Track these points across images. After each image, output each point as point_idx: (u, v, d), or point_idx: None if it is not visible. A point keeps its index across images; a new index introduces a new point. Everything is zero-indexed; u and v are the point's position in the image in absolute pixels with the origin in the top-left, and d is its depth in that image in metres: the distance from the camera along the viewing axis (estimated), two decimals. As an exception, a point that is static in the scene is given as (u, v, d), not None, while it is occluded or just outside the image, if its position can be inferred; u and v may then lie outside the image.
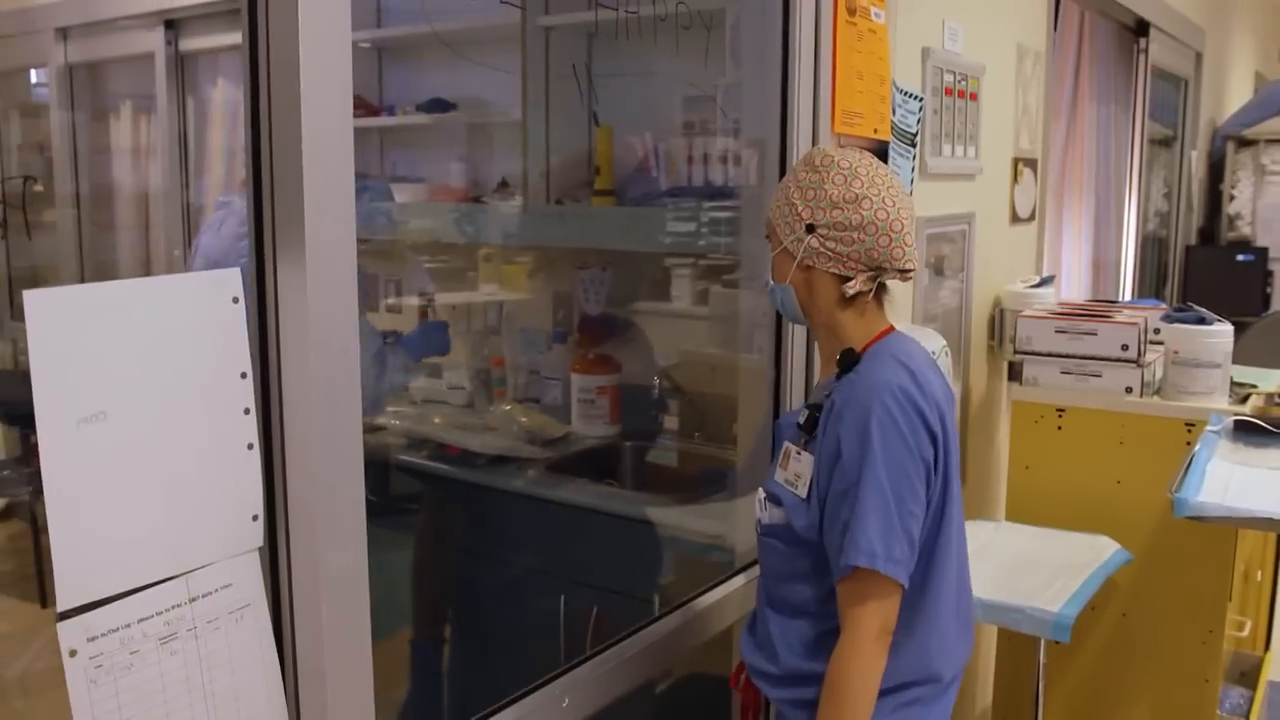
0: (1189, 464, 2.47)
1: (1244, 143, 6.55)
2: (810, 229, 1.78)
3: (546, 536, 2.87)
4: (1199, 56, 5.90)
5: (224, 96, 4.05)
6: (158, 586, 1.39)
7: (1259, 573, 3.57)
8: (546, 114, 3.15)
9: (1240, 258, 6.27)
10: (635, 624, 2.18)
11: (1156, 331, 3.07)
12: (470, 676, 2.99)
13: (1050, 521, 2.92)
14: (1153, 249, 5.73)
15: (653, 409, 3.24)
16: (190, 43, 3.98)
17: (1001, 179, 3.37)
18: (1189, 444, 2.70)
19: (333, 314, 1.46)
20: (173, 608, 1.42)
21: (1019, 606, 2.40)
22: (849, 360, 1.82)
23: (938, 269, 3.02)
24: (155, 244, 3.45)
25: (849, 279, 1.78)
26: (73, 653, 1.29)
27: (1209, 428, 2.70)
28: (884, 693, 1.70)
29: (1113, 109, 4.63)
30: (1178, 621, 2.91)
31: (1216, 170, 6.61)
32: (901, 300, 2.82)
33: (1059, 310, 3.17)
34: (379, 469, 3.09)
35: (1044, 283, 3.38)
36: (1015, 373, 3.13)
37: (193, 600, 1.44)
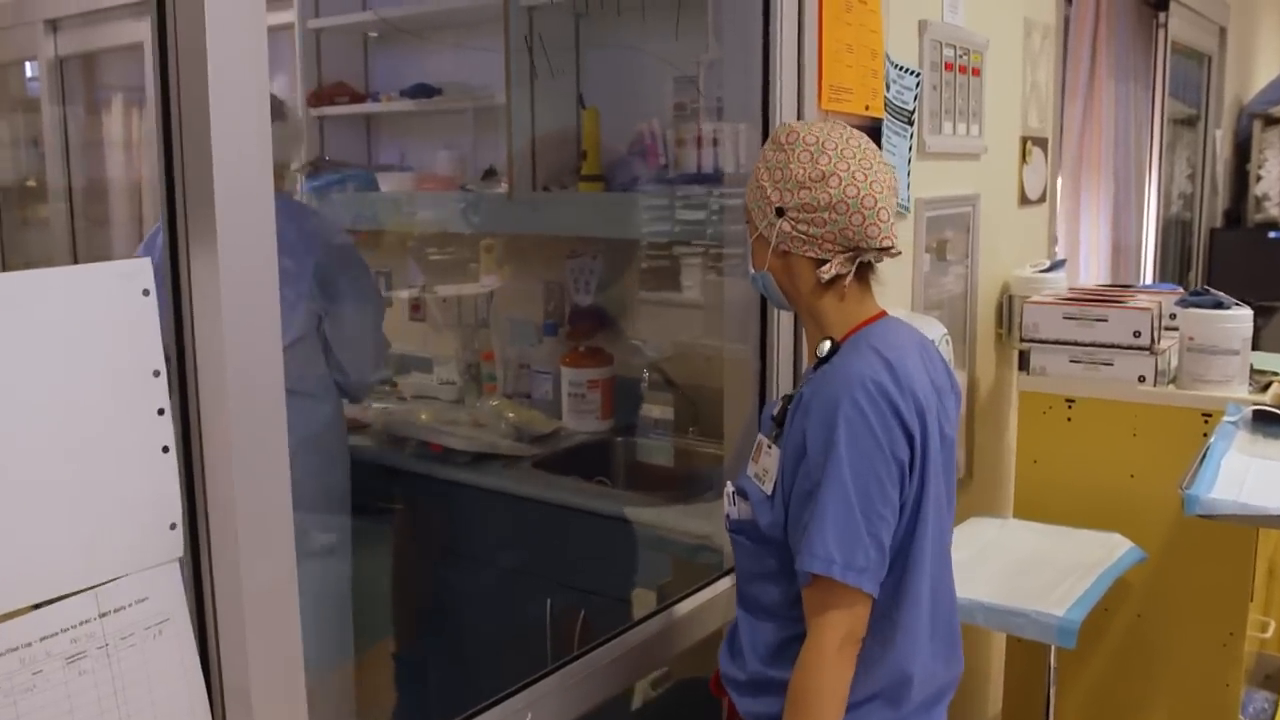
0: (1203, 457, 2.32)
1: (1272, 121, 6.34)
2: (780, 212, 1.67)
3: (531, 537, 2.76)
4: (1223, 31, 5.70)
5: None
6: (62, 601, 1.29)
7: (1285, 568, 3.42)
8: (531, 97, 3.04)
9: (1273, 235, 6.07)
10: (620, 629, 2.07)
11: (1172, 317, 2.92)
12: (449, 687, 2.89)
13: (1060, 518, 2.77)
14: (1176, 232, 5.54)
15: (646, 403, 3.12)
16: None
17: (1009, 159, 3.23)
18: (1206, 435, 2.55)
19: (249, 307, 1.36)
20: (80, 624, 1.32)
21: (1022, 610, 2.27)
22: (827, 350, 1.70)
23: (940, 253, 2.88)
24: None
25: (826, 262, 1.65)
26: (-37, 674, 1.19)
27: (1226, 418, 2.55)
28: (852, 706, 1.57)
29: (1132, 87, 4.46)
30: (1196, 623, 2.76)
31: (1243, 150, 6.40)
32: (900, 287, 2.69)
33: (1068, 296, 3.02)
34: (357, 468, 2.98)
35: (1055, 267, 3.23)
36: (1026, 362, 2.99)
37: (103, 615, 1.34)
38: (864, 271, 1.70)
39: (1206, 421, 2.68)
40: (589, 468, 2.99)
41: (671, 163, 2.92)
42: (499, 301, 3.38)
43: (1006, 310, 3.20)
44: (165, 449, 1.37)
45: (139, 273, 1.35)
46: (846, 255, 1.65)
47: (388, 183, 3.27)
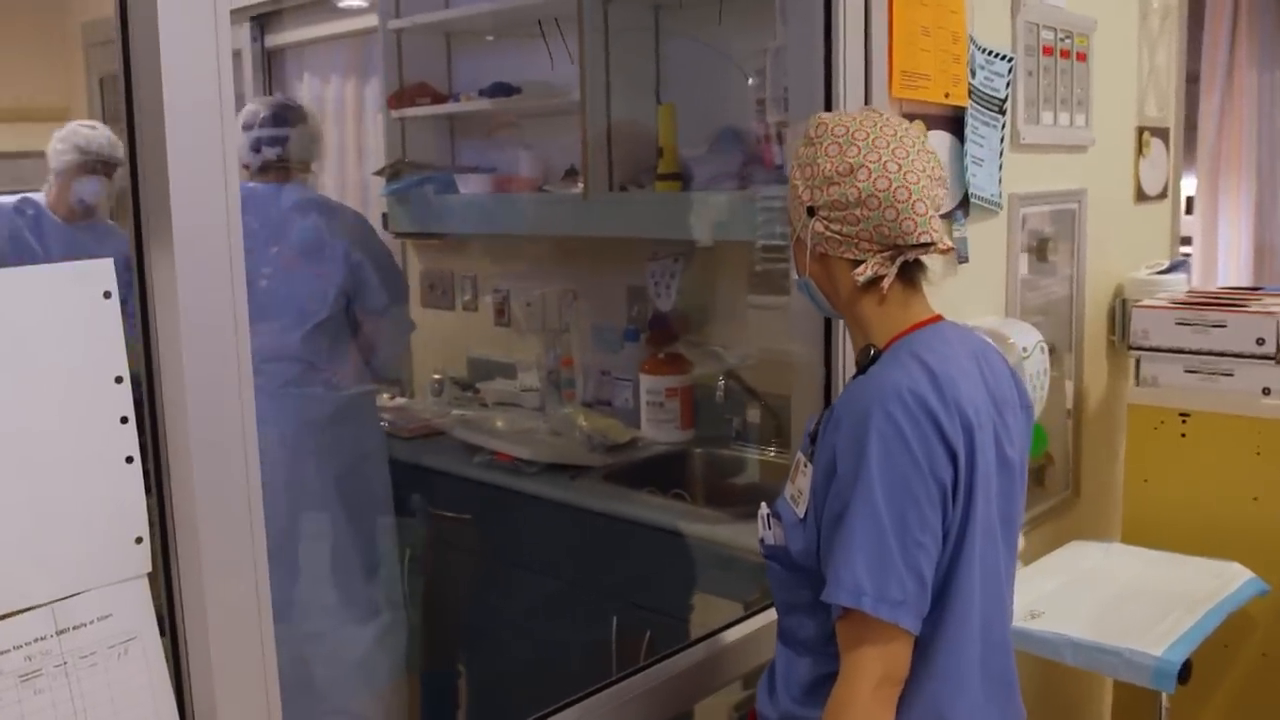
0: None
1: None
2: (811, 212, 1.52)
3: (598, 552, 2.64)
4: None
5: (309, 91, 3.98)
6: (16, 617, 1.23)
7: None
8: (607, 94, 2.92)
9: None
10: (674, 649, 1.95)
11: (1307, 323, 2.62)
12: (506, 702, 2.79)
13: (1172, 544, 2.51)
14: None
15: (729, 413, 2.97)
16: (276, 38, 3.92)
17: (1122, 151, 2.97)
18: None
19: (209, 308, 1.29)
20: (35, 640, 1.25)
21: (1115, 648, 2.04)
22: (864, 358, 1.54)
23: (1040, 254, 2.66)
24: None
25: (862, 262, 1.50)
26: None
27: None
28: None
29: (1277, 75, 4.11)
30: (1331, 663, 2.48)
31: None
32: (990, 290, 2.48)
33: (1182, 300, 2.75)
34: (425, 476, 2.93)
35: (1174, 268, 2.96)
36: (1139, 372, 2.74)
37: (61, 633, 1.27)
38: (910, 272, 1.54)
39: (1342, 440, 2.40)
40: (666, 480, 2.86)
41: (753, 160, 2.77)
42: (581, 306, 3.28)
43: (1120, 315, 2.94)
44: (129, 459, 1.30)
45: (100, 274, 1.28)
46: (885, 254, 1.49)
47: (467, 185, 3.21)
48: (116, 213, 3.51)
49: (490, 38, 3.40)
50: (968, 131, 2.30)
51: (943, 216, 2.28)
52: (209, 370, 1.29)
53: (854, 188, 1.46)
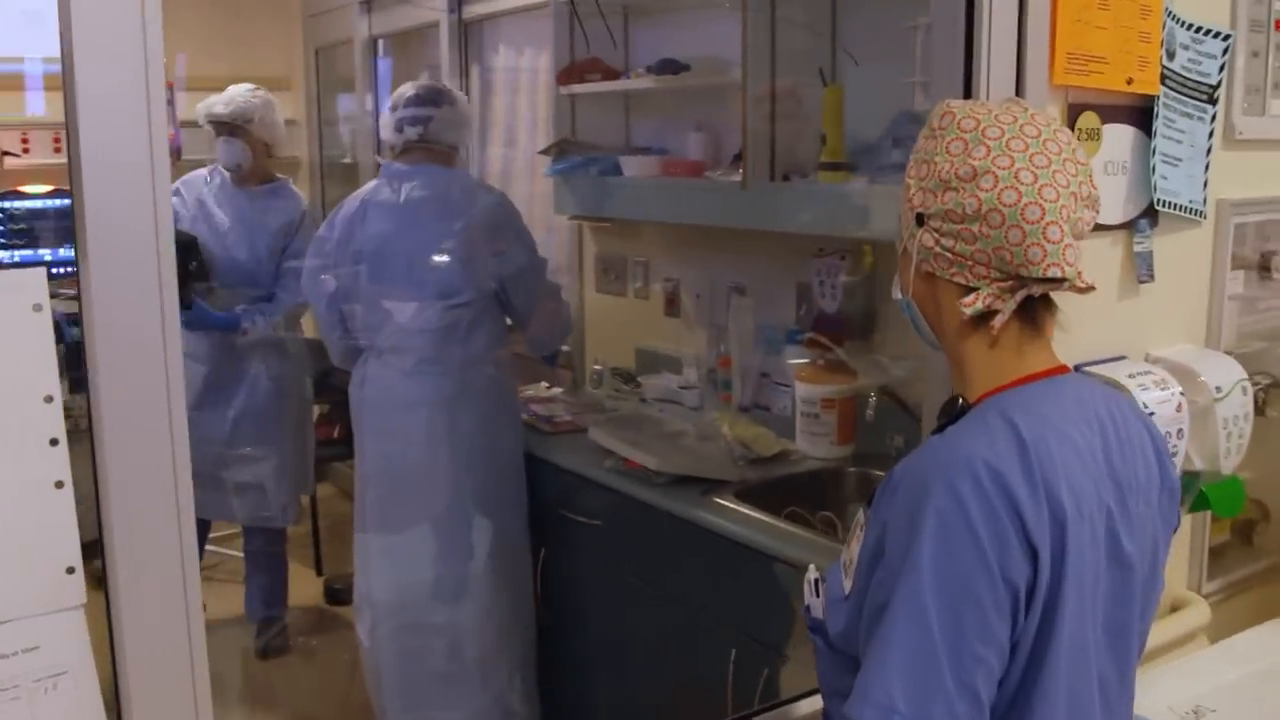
0: None
1: None
2: (921, 220, 1.25)
3: (721, 576, 2.41)
4: None
5: (505, 63, 3.91)
6: (-71, 645, 1.16)
7: None
8: (772, 73, 2.66)
9: None
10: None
11: None
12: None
13: None
14: None
15: (891, 429, 2.66)
16: (473, 9, 3.86)
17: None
18: None
19: (129, 317, 1.18)
20: (-51, 670, 1.19)
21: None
22: (950, 411, 1.26)
23: (1264, 267, 2.21)
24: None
25: (974, 290, 1.22)
26: None
27: None
28: None
29: None
30: None
31: None
32: (1188, 315, 2.07)
33: None
34: (560, 477, 2.79)
35: None
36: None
37: (-21, 663, 1.20)
38: (1033, 311, 1.24)
39: None
40: (814, 501, 2.59)
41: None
42: (747, 303, 3.04)
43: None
44: (59, 484, 1.21)
45: (30, 284, 1.19)
46: (1003, 285, 1.21)
47: (630, 167, 3.02)
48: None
49: (668, 10, 3.18)
50: (1158, 125, 1.90)
51: (1121, 226, 1.92)
52: (126, 387, 1.18)
53: (974, 197, 1.19)
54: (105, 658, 1.25)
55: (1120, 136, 1.88)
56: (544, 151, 3.26)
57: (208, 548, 3.81)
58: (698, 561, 2.46)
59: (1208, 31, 1.96)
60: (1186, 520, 2.11)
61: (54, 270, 1.19)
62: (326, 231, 2.86)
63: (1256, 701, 1.86)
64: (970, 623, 1.10)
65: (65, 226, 3.55)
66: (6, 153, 4.15)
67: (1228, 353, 2.09)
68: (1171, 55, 1.91)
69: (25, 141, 4.28)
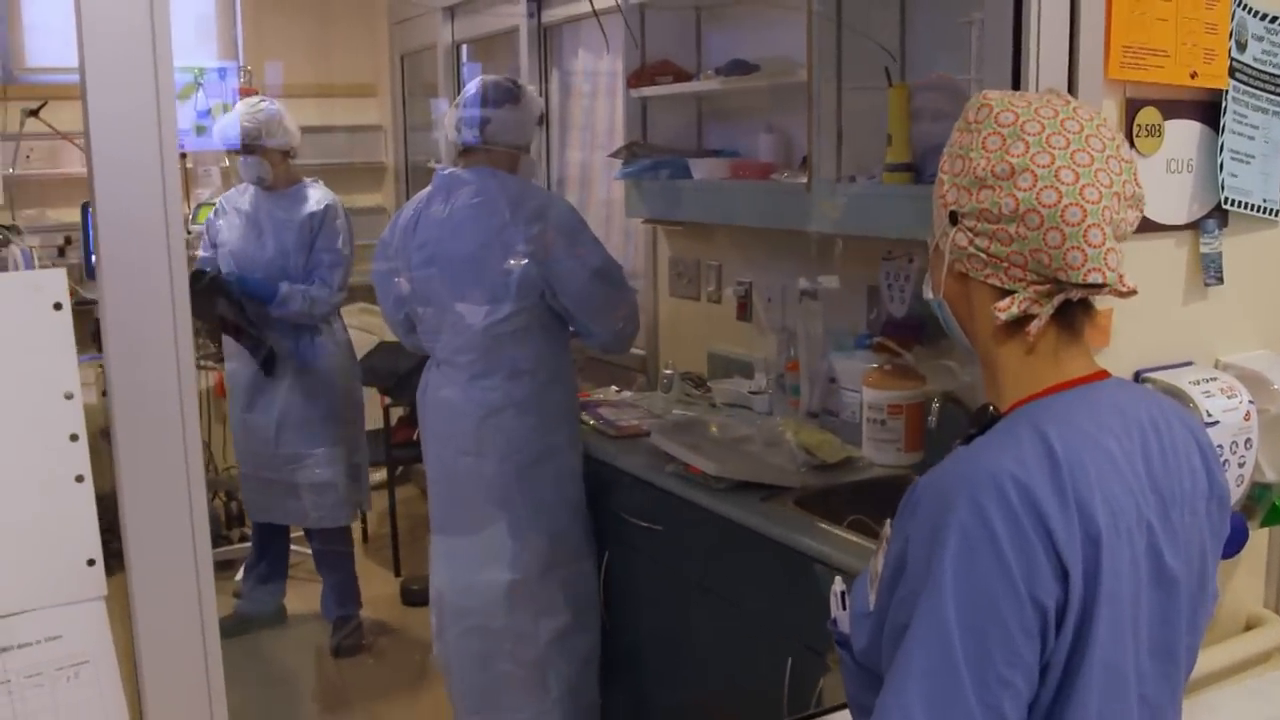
0: None
1: None
2: (954, 219, 1.20)
3: (778, 586, 2.37)
4: None
5: (583, 66, 3.92)
6: (-46, 631, 1.20)
7: None
8: (838, 72, 2.62)
9: None
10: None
11: None
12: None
13: None
14: None
15: (958, 437, 2.58)
16: (552, 14, 3.88)
17: None
18: None
19: (137, 313, 1.22)
20: (-27, 656, 1.23)
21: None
22: (980, 421, 1.21)
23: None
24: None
25: (1011, 294, 1.17)
26: None
27: None
28: None
29: None
30: None
31: None
32: (1263, 318, 1.98)
33: None
34: (624, 481, 2.78)
35: None
36: None
37: (4, 650, 1.24)
38: (1071, 315, 1.18)
39: None
40: (879, 509, 2.53)
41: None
42: (817, 307, 2.99)
43: None
44: (79, 478, 1.24)
45: (52, 284, 1.23)
46: (1040, 289, 1.16)
47: (699, 170, 3.00)
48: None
49: (740, 10, 3.16)
50: (1226, 120, 1.82)
51: (1187, 227, 1.83)
52: (136, 380, 1.21)
53: (1011, 196, 1.13)
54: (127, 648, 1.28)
55: (1184, 133, 1.80)
56: (614, 155, 3.26)
57: (291, 547, 3.89)
58: (756, 568, 2.42)
59: (1282, 21, 1.87)
60: (1261, 534, 2.01)
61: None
62: (388, 235, 2.90)
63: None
64: (996, 645, 1.05)
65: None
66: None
67: (1307, 359, 1.99)
68: (1242, 46, 1.82)
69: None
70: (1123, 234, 1.16)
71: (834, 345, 2.92)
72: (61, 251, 4.46)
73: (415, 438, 4.09)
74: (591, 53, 3.86)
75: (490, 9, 4.06)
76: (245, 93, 4.33)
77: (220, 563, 3.92)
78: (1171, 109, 1.77)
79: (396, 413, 4.29)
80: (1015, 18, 1.67)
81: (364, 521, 4.67)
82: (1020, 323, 1.16)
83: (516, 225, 2.64)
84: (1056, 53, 1.67)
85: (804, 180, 2.68)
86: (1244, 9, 1.81)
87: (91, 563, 1.25)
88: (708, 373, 3.36)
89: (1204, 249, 1.85)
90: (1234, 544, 1.82)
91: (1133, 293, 1.16)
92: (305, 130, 4.78)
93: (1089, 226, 1.11)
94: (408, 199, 4.80)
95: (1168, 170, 1.79)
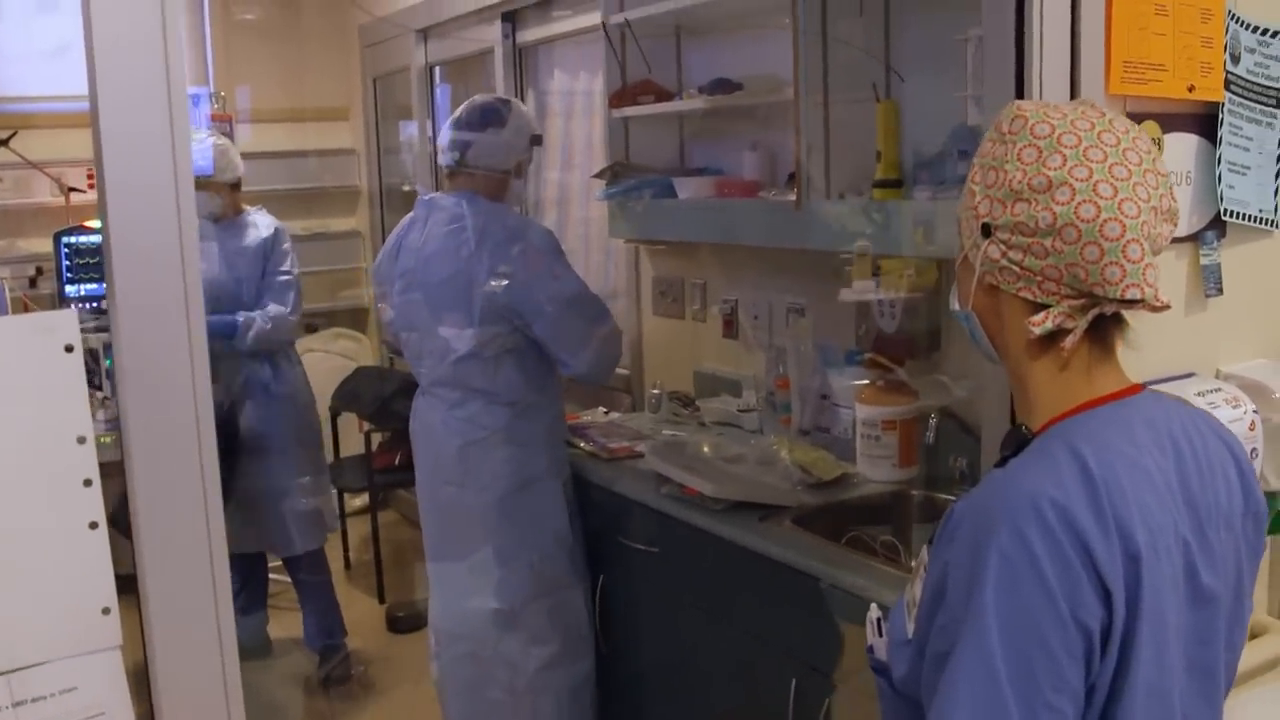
0: None
1: None
2: (987, 231, 1.18)
3: (779, 605, 2.36)
4: None
5: (560, 87, 3.90)
6: (-33, 688, 1.16)
7: None
8: (825, 89, 2.62)
9: None
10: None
11: None
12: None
13: None
14: None
15: (953, 452, 2.59)
16: (526, 35, 3.87)
17: None
18: None
19: (152, 348, 1.17)
20: (-13, 712, 1.19)
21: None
22: (1014, 442, 1.20)
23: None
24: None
25: (1044, 308, 1.15)
26: None
27: None
28: None
29: None
30: None
31: None
32: (1261, 326, 1.99)
33: None
34: (617, 504, 2.76)
35: None
36: None
37: (18, 704, 1.21)
38: (1105, 330, 1.17)
39: None
40: (876, 524, 2.53)
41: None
42: (806, 323, 2.99)
43: None
44: (93, 524, 1.21)
45: (63, 325, 1.19)
46: (1075, 304, 1.14)
47: (684, 189, 2.99)
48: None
49: (720, 30, 3.15)
50: (1223, 133, 1.83)
51: (1186, 239, 1.84)
52: (148, 421, 1.18)
53: (1049, 210, 1.12)
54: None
55: (1183, 146, 1.81)
56: (597, 175, 3.24)
57: (271, 576, 3.84)
58: (756, 588, 2.40)
59: (1275, 33, 1.88)
60: (1266, 543, 2.02)
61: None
62: (379, 259, 2.87)
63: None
64: (1042, 671, 1.04)
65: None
66: (73, 189, 4.25)
67: (1306, 367, 2.00)
68: (1236, 59, 1.84)
69: (91, 176, 4.39)
70: (1158, 248, 1.15)
71: (824, 361, 2.92)
72: (33, 282, 4.40)
73: (396, 463, 4.06)
74: (567, 73, 3.85)
75: (464, 31, 4.03)
76: (217, 118, 4.29)
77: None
78: (1170, 122, 1.78)
79: (378, 438, 4.25)
80: (1018, 35, 1.67)
81: (345, 548, 4.63)
82: (1054, 337, 1.15)
83: (482, 253, 2.60)
84: (1059, 68, 1.68)
85: (792, 198, 2.68)
86: (1237, 22, 1.82)
87: (106, 611, 1.21)
88: (695, 392, 3.34)
89: (1204, 260, 1.86)
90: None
91: (1166, 307, 1.15)
92: (277, 155, 4.77)
93: (1128, 241, 1.10)
94: (383, 223, 4.80)
95: (1168, 183, 1.80)
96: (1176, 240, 1.82)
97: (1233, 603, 1.19)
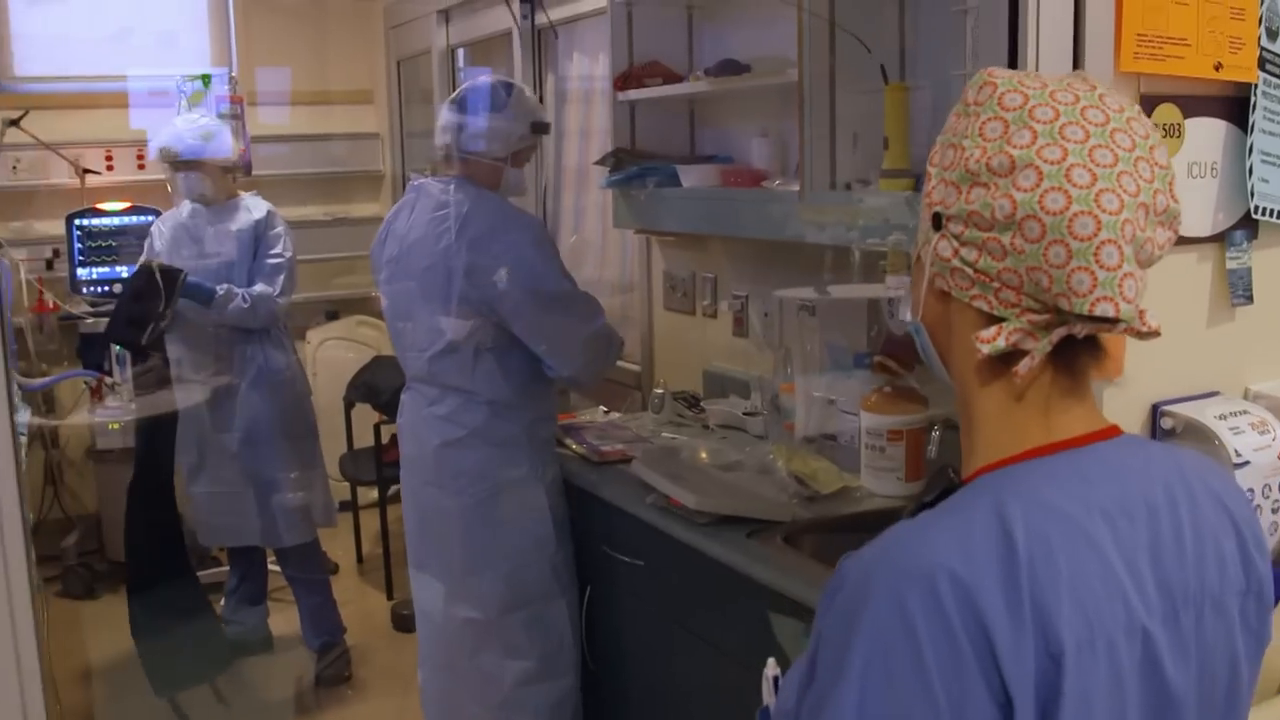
0: None
1: None
2: (938, 222, 0.97)
3: (766, 629, 2.17)
4: None
5: (579, 70, 3.74)
6: None
7: None
8: (831, 72, 2.41)
9: None
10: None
11: None
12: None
13: None
14: None
15: (917, 507, 2.37)
16: (543, 15, 3.69)
17: None
18: None
19: None
20: None
21: None
22: (939, 485, 1.01)
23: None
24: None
25: (998, 321, 0.94)
26: None
27: None
28: None
29: None
30: None
31: None
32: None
33: None
34: (605, 512, 2.58)
35: None
36: None
37: None
38: (1073, 356, 0.94)
39: None
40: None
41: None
42: (815, 322, 2.79)
43: None
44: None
45: None
46: (1035, 318, 0.92)
47: (689, 177, 2.80)
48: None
49: (733, 8, 2.96)
50: (1255, 118, 1.61)
51: (1211, 239, 1.62)
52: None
53: (1007, 197, 0.91)
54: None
55: (1207, 132, 1.59)
56: (599, 162, 3.07)
57: (272, 570, 3.73)
58: (741, 607, 2.22)
59: (1321, 6, 1.65)
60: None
61: None
62: (372, 245, 2.75)
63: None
64: None
65: (142, 244, 3.58)
66: (88, 170, 4.18)
67: (1350, 388, 1.77)
68: (1273, 35, 1.61)
69: (109, 158, 4.32)
70: (1149, 257, 0.93)
71: (833, 364, 2.72)
72: (50, 264, 4.35)
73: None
74: (586, 55, 3.67)
75: (484, 10, 3.88)
76: (234, 100, 4.21)
77: (209, 584, 3.78)
78: (1193, 106, 1.56)
79: (391, 430, 4.13)
80: (1011, 3, 1.47)
81: (358, 543, 4.51)
82: (1008, 360, 0.93)
83: (460, 245, 2.44)
84: (1059, 41, 1.47)
85: (796, 188, 2.48)
86: (1274, -8, 1.60)
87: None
88: (704, 391, 3.16)
89: (1231, 264, 1.64)
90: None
91: (1155, 334, 0.92)
92: (301, 139, 4.66)
93: (1102, 243, 0.88)
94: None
95: (1189, 175, 1.58)
96: (1198, 241, 1.61)
97: (1219, 703, 0.95)
